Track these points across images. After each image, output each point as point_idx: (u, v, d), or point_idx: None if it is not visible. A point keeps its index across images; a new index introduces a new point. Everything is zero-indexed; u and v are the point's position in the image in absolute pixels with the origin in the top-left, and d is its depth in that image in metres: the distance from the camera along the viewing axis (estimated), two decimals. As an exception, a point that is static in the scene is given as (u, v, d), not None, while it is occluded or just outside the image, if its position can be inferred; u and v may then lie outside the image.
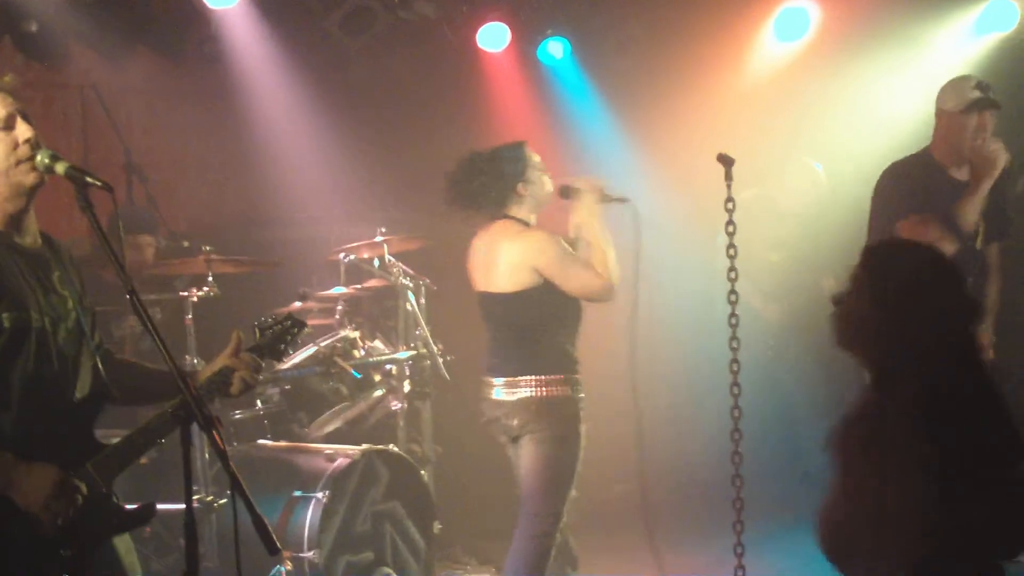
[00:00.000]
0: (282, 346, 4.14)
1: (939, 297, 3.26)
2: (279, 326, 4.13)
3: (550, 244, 5.34)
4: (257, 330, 4.12)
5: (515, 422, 5.41)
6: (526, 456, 5.43)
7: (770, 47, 8.56)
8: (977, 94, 5.92)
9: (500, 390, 5.44)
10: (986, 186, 5.79)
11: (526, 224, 5.50)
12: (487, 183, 5.45)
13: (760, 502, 5.78)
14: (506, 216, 5.50)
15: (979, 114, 5.91)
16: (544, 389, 5.36)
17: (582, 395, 5.45)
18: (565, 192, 5.57)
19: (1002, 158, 5.81)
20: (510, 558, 5.46)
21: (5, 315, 3.59)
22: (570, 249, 5.42)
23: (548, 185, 5.57)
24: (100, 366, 3.88)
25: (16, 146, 3.64)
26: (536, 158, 5.55)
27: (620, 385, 5.75)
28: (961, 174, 5.98)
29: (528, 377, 5.37)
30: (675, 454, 8.21)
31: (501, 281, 5.42)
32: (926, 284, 3.28)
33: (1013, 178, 6.06)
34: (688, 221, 8.30)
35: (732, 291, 5.46)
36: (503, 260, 5.41)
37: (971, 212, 5.79)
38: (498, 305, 5.47)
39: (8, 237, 3.70)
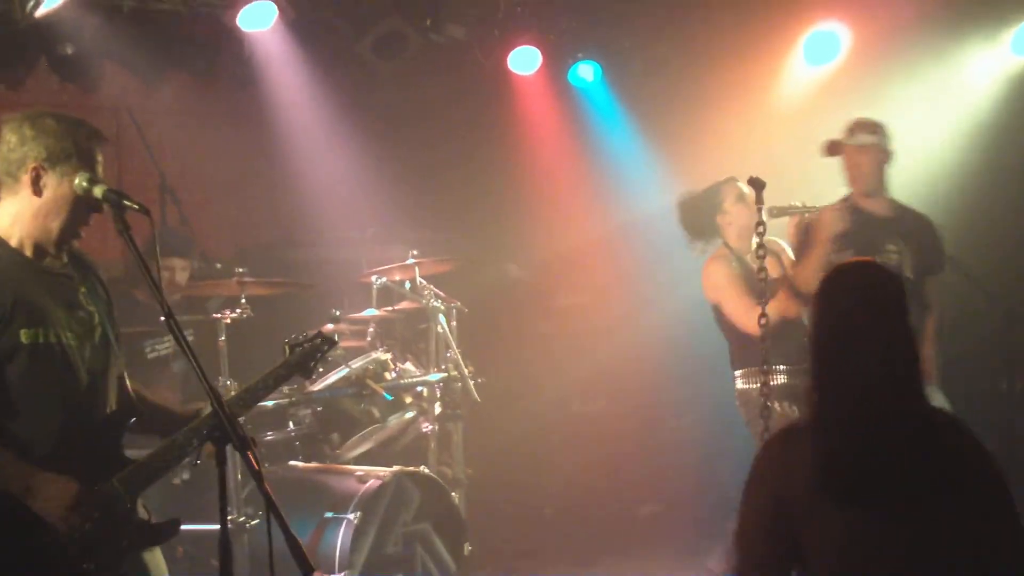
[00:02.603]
0: (312, 363, 4.17)
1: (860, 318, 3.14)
2: (309, 344, 4.16)
3: (717, 274, 6.01)
4: (287, 347, 4.15)
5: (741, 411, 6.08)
6: None
7: (800, 70, 8.55)
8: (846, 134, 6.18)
9: (736, 382, 6.06)
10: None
11: (733, 250, 6.08)
12: (691, 217, 6.18)
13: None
14: (722, 243, 6.13)
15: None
16: (745, 382, 5.98)
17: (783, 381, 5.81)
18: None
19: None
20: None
21: (22, 331, 3.62)
22: (744, 271, 5.95)
23: (748, 214, 5.77)
24: (126, 381, 3.92)
25: None
26: (736, 191, 6.06)
27: (647, 403, 5.75)
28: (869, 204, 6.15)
29: (735, 372, 6.05)
30: (705, 475, 8.19)
31: (708, 296, 6.10)
32: (852, 306, 3.17)
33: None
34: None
35: (763, 314, 5.46)
36: (704, 282, 6.11)
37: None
38: (713, 315, 6.13)
39: (35, 263, 3.75)
